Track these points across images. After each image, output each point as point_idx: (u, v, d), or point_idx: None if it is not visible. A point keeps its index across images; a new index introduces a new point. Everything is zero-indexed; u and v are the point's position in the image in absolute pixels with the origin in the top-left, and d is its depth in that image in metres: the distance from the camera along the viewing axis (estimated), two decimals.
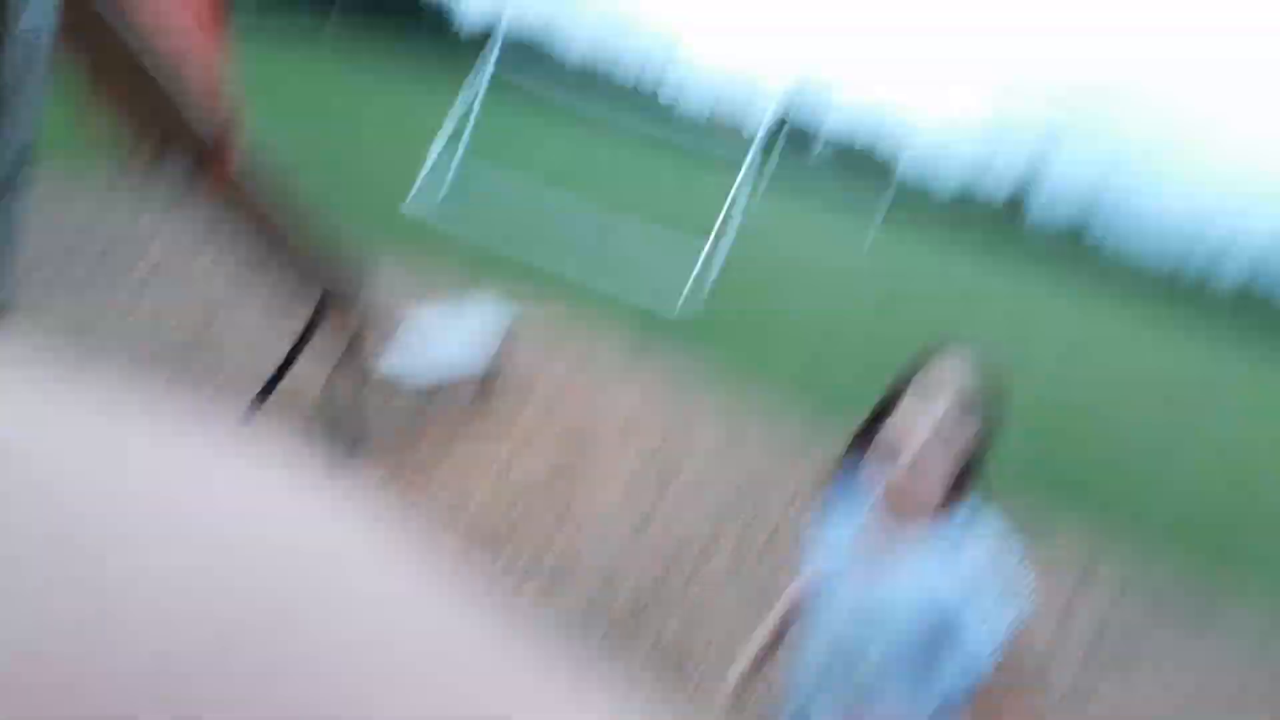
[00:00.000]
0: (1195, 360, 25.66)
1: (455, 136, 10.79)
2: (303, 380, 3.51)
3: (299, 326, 3.30)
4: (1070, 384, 12.55)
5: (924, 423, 1.39)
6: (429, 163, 10.66)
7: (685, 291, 9.61)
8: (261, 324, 4.71)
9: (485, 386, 5.16)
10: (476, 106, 10.92)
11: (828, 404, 6.91)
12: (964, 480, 1.45)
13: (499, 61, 11.02)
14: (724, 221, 10.21)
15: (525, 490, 4.30)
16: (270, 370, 3.31)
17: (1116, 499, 6.99)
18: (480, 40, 12.06)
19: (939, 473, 1.41)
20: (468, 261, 8.49)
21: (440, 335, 4.76)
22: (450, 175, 10.87)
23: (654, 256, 11.02)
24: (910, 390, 1.45)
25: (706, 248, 10.08)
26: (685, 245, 10.65)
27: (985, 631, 1.37)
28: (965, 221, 72.42)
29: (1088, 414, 10.66)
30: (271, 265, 3.05)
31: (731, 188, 10.36)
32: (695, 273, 9.85)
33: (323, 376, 3.76)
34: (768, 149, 11.93)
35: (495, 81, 11.10)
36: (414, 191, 10.47)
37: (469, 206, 10.72)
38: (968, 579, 1.38)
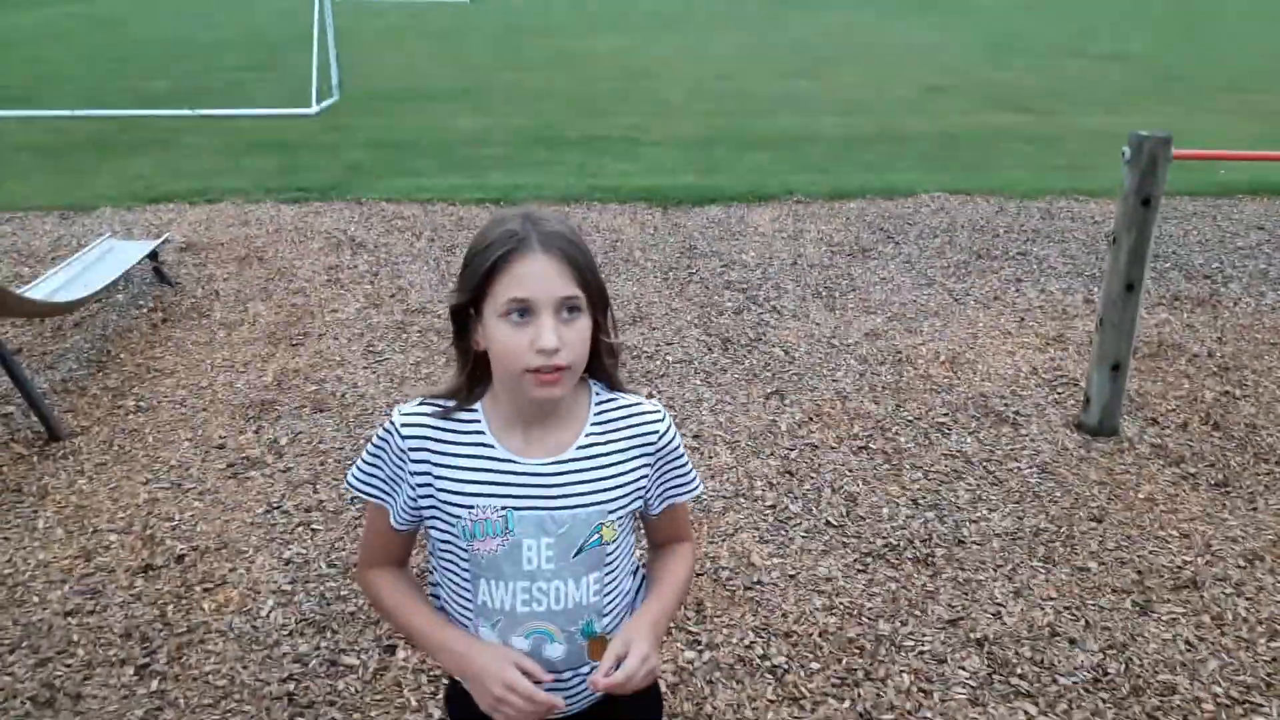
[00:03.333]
0: None
1: None
2: None
3: None
4: None
5: (532, 355, 1.25)
6: None
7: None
8: None
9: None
10: None
11: None
12: (596, 364, 1.37)
13: None
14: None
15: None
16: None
17: None
18: None
19: (572, 376, 1.30)
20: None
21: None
22: None
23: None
24: (490, 309, 1.26)
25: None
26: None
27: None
28: None
29: None
30: None
31: None
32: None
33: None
34: None
35: None
36: None
37: None
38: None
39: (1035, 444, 3.79)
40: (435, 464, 1.34)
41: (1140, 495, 3.46)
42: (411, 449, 1.34)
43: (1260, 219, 6.74)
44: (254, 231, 6.18)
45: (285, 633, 2.78)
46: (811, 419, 3.96)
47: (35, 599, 2.92)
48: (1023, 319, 4.98)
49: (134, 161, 8.01)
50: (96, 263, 4.90)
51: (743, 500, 3.42)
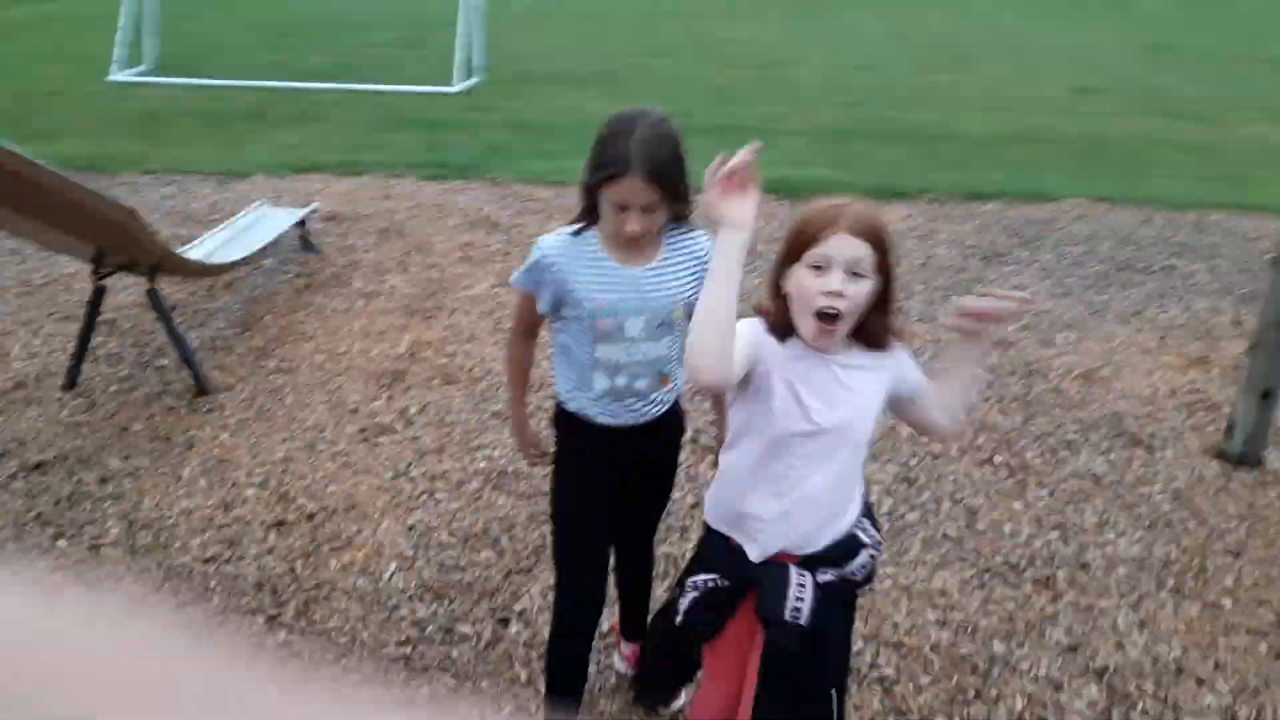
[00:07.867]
0: None
1: None
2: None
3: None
4: None
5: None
6: (122, 22, 10.70)
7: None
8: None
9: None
10: None
11: None
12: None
13: None
14: None
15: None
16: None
17: None
18: None
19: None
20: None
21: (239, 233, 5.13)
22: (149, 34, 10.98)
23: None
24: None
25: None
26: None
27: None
28: None
29: None
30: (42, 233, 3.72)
31: None
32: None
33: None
34: None
35: None
36: (115, 57, 10.56)
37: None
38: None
39: (1170, 469, 3.64)
40: (570, 272, 2.03)
41: None
42: (552, 264, 2.03)
43: None
44: (395, 205, 6.40)
45: (405, 596, 2.89)
46: None
47: (178, 544, 3.12)
48: (1164, 337, 4.77)
49: (286, 132, 8.37)
50: (250, 227, 5.16)
51: None
